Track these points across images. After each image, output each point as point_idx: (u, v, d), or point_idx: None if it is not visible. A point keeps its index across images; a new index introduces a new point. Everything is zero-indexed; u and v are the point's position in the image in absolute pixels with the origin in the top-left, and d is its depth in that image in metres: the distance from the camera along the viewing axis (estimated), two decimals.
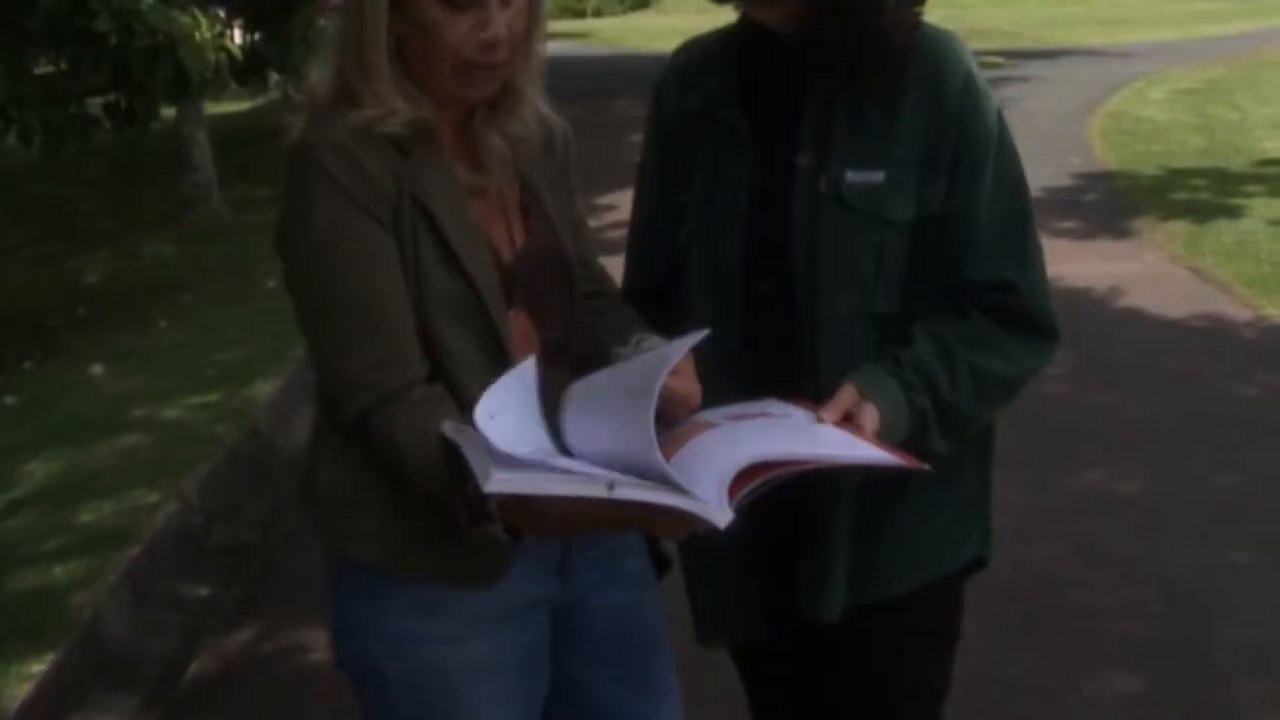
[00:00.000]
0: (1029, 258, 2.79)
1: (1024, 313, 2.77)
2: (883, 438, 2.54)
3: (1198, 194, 14.93)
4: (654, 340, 2.65)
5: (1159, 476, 7.25)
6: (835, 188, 2.72)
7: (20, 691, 4.94)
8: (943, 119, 2.72)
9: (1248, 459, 7.46)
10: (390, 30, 2.49)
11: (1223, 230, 13.31)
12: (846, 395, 2.58)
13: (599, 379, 2.51)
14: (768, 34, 2.75)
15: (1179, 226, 13.30)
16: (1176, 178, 15.50)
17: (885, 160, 2.72)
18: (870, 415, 2.56)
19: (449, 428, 2.37)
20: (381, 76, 2.50)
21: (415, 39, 2.52)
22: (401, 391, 2.47)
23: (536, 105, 2.69)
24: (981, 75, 2.78)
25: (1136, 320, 10.23)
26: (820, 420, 2.50)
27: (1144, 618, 5.67)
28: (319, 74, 2.61)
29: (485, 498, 2.27)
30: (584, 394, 2.47)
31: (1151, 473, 7.30)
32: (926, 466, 2.48)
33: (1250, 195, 15.12)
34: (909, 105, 2.72)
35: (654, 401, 2.22)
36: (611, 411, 2.34)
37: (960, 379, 2.71)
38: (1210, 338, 9.99)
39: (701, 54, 2.97)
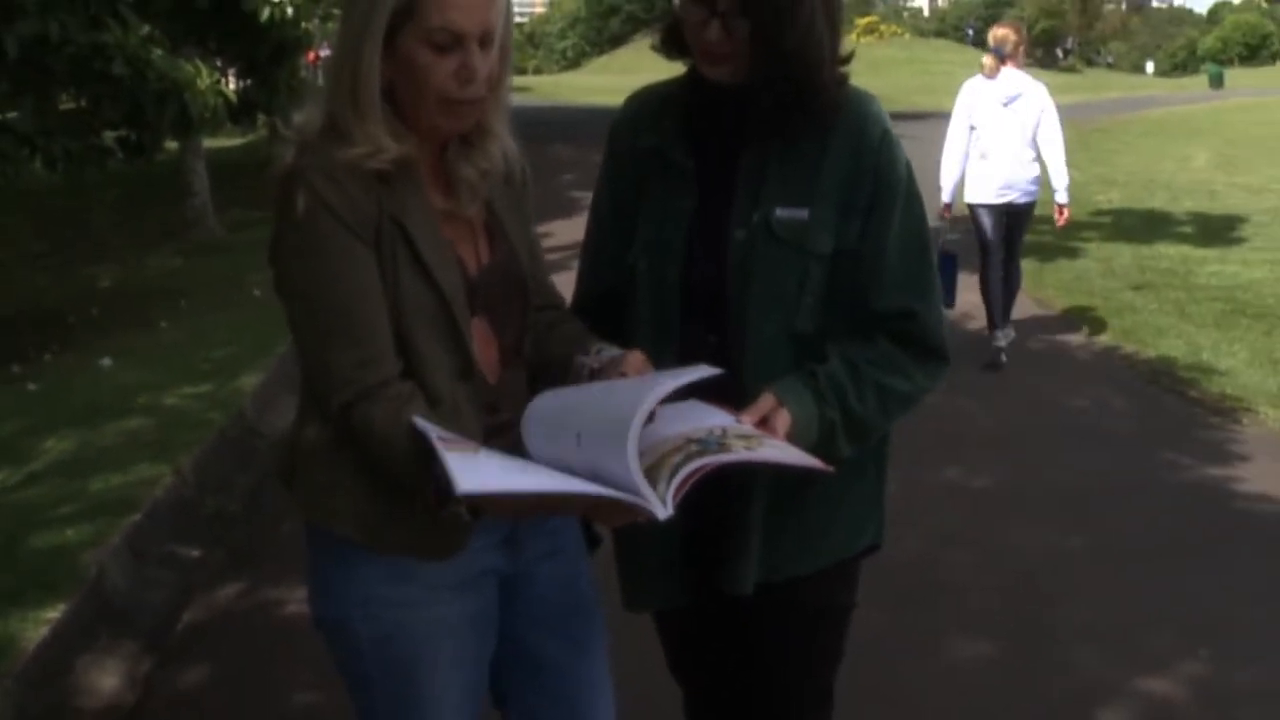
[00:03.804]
0: (928, 291, 2.78)
1: (922, 338, 2.76)
2: (793, 441, 2.52)
3: (1043, 237, 15.01)
4: (611, 350, 2.62)
5: (1007, 473, 7.29)
6: (766, 222, 2.70)
7: (36, 635, 4.90)
8: (861, 167, 2.71)
9: (1082, 459, 7.53)
10: (381, 73, 2.45)
11: (1062, 268, 13.53)
12: (765, 401, 2.56)
13: (572, 394, 2.49)
14: (714, 86, 2.72)
15: (1027, 264, 13.31)
16: None
17: (810, 200, 2.70)
18: (784, 420, 2.55)
19: (420, 421, 2.33)
20: (374, 116, 2.45)
21: (404, 79, 2.47)
22: (379, 388, 2.43)
23: (504, 141, 2.65)
24: (894, 131, 2.77)
25: (989, 341, 10.28)
26: (740, 422, 2.47)
27: (996, 593, 5.69)
28: (310, 112, 2.56)
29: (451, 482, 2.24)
30: (553, 405, 2.45)
31: (1000, 470, 7.35)
32: (832, 469, 2.44)
33: (1086, 240, 15.39)
34: (833, 154, 2.71)
35: (639, 426, 2.21)
36: (589, 423, 2.31)
37: (866, 394, 2.70)
38: (1050, 358, 10.12)
39: (653, 101, 2.93)
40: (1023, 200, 9.71)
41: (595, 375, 2.58)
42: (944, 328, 2.81)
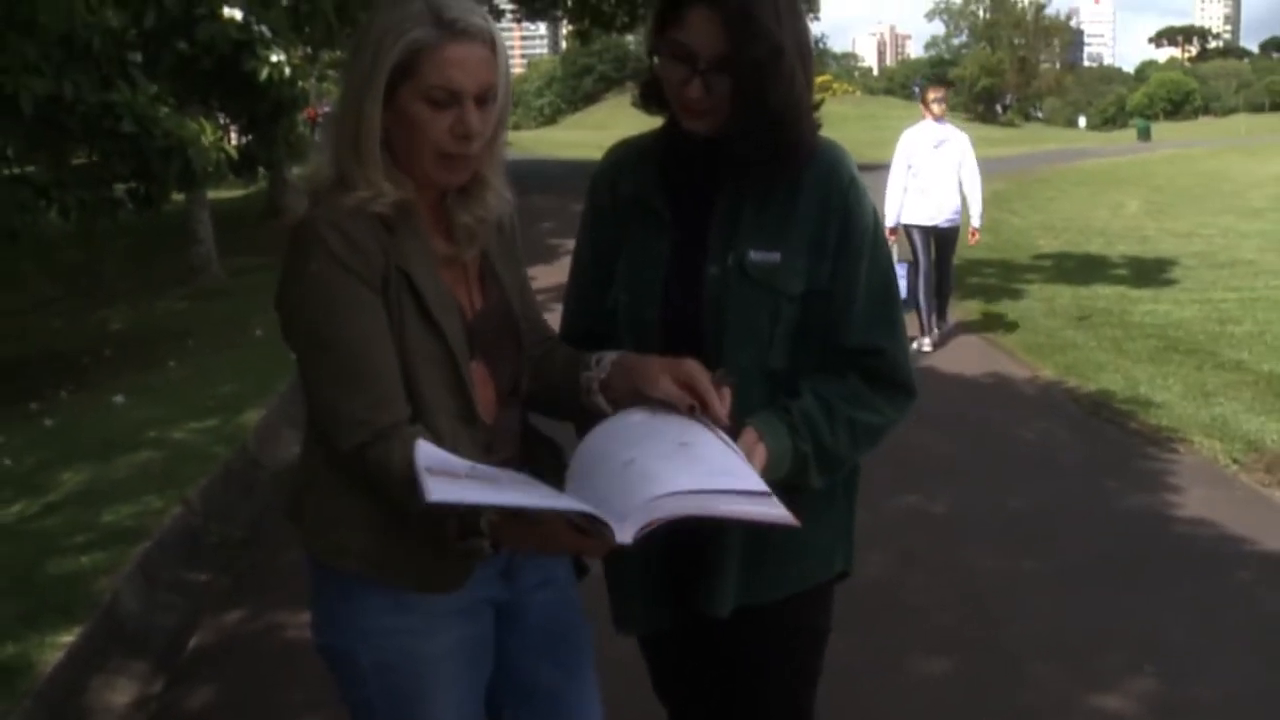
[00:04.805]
0: (895, 329, 2.75)
1: (890, 374, 2.72)
2: (767, 474, 2.46)
3: (989, 280, 15.11)
4: (608, 354, 2.60)
5: (961, 500, 7.25)
6: (740, 264, 2.66)
7: (53, 658, 4.87)
8: (830, 213, 2.67)
9: (1029, 487, 7.49)
10: (381, 125, 2.41)
11: (1008, 308, 13.51)
12: (748, 436, 2.53)
13: (659, 424, 2.43)
14: (690, 137, 2.68)
15: (975, 305, 13.47)
16: (973, 267, 15.64)
17: (782, 243, 2.66)
18: (760, 455, 2.52)
19: (420, 445, 2.26)
20: (373, 164, 2.41)
21: (402, 132, 2.43)
22: (393, 428, 2.38)
23: (498, 191, 2.62)
24: (862, 179, 2.73)
25: (943, 377, 10.29)
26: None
27: (952, 612, 5.65)
28: (317, 161, 2.53)
29: (478, 517, 2.19)
30: (636, 422, 2.43)
31: (955, 497, 7.30)
32: (797, 524, 2.32)
33: (1029, 282, 15.43)
34: (803, 200, 2.67)
35: (676, 496, 2.18)
36: (649, 458, 2.28)
37: (838, 428, 2.66)
38: (999, 392, 10.09)
39: (631, 153, 2.89)
40: (946, 224, 11.69)
41: (604, 386, 2.56)
42: (910, 363, 2.78)
